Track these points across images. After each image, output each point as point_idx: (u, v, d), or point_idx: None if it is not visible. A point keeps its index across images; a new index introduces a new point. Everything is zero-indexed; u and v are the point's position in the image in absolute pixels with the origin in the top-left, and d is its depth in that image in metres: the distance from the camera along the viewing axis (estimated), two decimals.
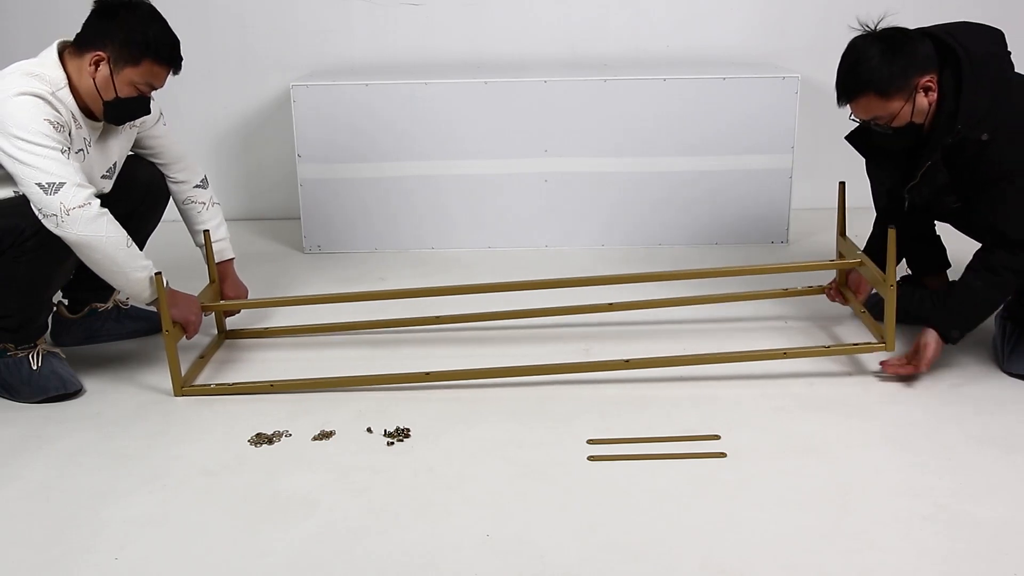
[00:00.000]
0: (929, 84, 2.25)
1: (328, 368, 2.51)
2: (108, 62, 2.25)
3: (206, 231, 2.67)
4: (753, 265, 2.90)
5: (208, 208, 2.70)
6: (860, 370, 2.46)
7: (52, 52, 2.29)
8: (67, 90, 2.26)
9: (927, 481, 1.97)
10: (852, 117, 2.37)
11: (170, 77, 2.36)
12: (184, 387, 2.39)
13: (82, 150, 2.31)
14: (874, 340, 2.48)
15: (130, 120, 2.41)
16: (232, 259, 2.77)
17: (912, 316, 2.60)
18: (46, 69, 2.25)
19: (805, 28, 3.76)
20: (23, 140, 2.14)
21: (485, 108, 3.41)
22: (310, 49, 3.81)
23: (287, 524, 1.87)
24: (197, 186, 2.69)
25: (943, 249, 2.69)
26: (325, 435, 2.20)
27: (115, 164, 2.47)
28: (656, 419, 2.24)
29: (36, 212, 2.17)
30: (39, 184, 2.14)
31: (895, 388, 2.37)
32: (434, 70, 3.67)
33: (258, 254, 3.55)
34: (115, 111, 2.32)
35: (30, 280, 2.27)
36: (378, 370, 2.46)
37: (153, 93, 2.38)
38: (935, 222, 2.66)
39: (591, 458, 2.08)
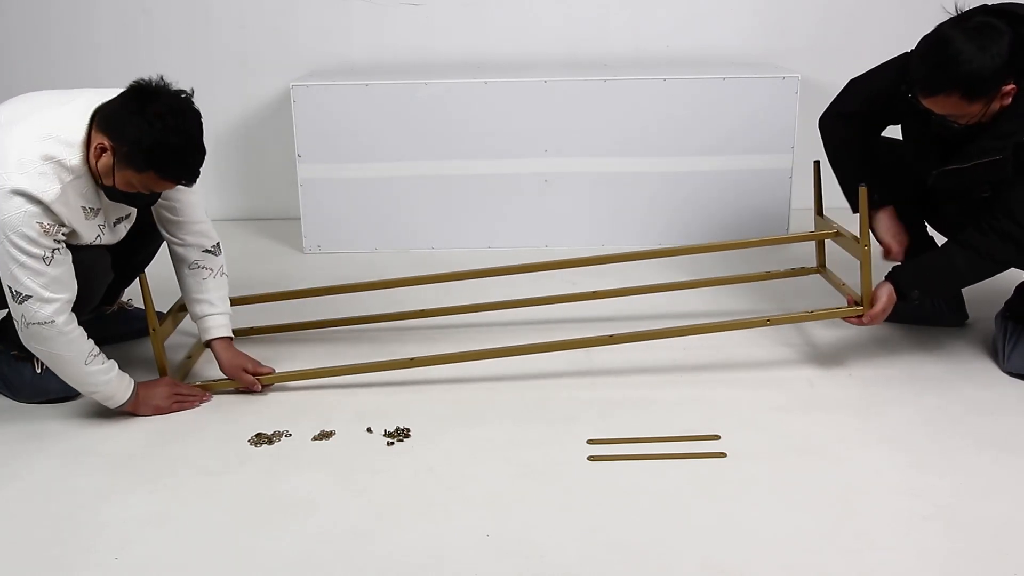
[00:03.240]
0: (1010, 91, 2.15)
1: (320, 363, 2.50)
2: (113, 154, 2.04)
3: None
4: (734, 240, 2.92)
5: (215, 277, 2.40)
6: (860, 370, 2.46)
7: (84, 120, 2.07)
8: (85, 178, 2.08)
9: (927, 481, 1.97)
10: (912, 97, 2.23)
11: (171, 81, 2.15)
12: None
13: (99, 236, 2.18)
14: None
15: (128, 204, 2.21)
16: (231, 338, 2.43)
17: (910, 317, 2.62)
18: (70, 153, 2.05)
19: (805, 28, 3.75)
20: (6, 238, 2.01)
21: (485, 108, 3.41)
22: (310, 49, 3.81)
23: (287, 524, 1.87)
24: (207, 251, 2.40)
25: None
26: (325, 435, 2.20)
27: (131, 213, 2.32)
28: (656, 419, 2.24)
29: None
30: (8, 287, 2.06)
31: (895, 388, 2.37)
32: (434, 70, 3.67)
33: (258, 254, 3.55)
34: (114, 197, 2.15)
35: None
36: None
37: None
38: (926, 224, 2.64)
39: (591, 458, 2.08)
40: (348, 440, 2.19)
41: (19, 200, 2.01)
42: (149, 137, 2.01)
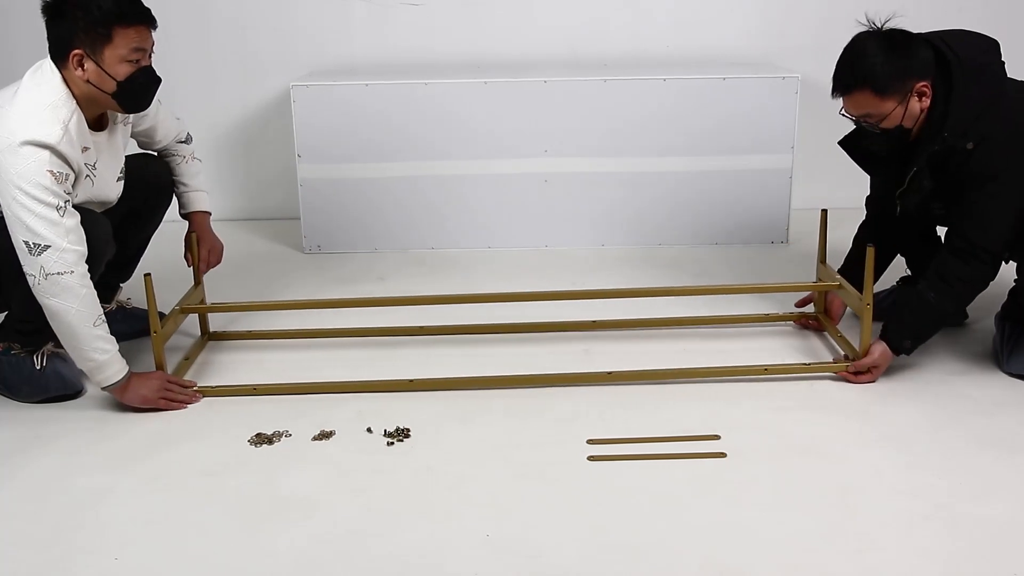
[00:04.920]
0: (924, 89, 2.26)
1: (318, 372, 2.51)
2: (87, 55, 2.15)
3: (191, 235, 2.65)
4: (738, 284, 2.92)
5: (187, 162, 2.66)
6: None
7: (55, 75, 2.19)
8: (77, 116, 2.18)
9: (927, 481, 1.97)
10: (842, 112, 2.34)
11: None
12: None
13: (89, 176, 2.25)
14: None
15: (149, 99, 2.31)
16: (208, 213, 2.71)
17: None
18: (55, 94, 2.16)
19: (805, 28, 3.76)
20: (21, 191, 2.08)
21: (485, 108, 3.41)
22: (310, 49, 3.81)
23: (287, 524, 1.87)
24: (180, 142, 2.65)
25: None
26: (325, 435, 2.20)
27: (123, 161, 2.43)
28: (656, 419, 2.24)
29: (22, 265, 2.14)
30: (25, 242, 2.10)
31: (895, 389, 2.37)
32: (434, 70, 3.67)
33: (258, 254, 3.55)
34: (127, 97, 2.23)
35: None
36: (368, 375, 2.45)
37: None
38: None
39: (591, 458, 2.08)
40: (348, 440, 2.19)
41: (28, 150, 2.09)
42: (89, 15, 2.14)
